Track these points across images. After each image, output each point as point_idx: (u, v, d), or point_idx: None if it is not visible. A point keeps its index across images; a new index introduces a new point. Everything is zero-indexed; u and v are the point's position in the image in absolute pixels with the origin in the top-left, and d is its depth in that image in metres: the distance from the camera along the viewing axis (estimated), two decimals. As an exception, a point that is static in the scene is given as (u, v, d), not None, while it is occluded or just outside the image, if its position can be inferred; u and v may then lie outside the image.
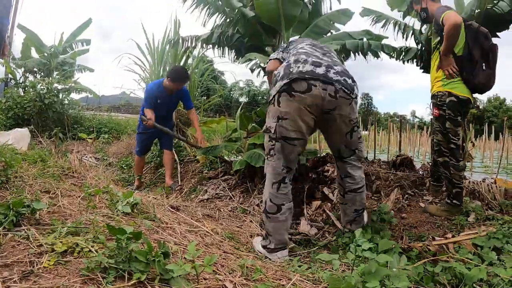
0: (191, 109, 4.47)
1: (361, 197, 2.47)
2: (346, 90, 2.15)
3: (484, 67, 2.73)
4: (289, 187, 2.29)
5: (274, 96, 2.20)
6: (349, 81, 2.20)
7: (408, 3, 4.06)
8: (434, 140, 2.95)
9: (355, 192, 2.43)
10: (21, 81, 11.31)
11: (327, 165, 3.83)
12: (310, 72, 2.14)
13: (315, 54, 2.30)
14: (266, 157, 2.33)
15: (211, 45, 4.81)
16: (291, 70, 2.17)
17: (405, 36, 4.47)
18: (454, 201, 2.80)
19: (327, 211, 3.03)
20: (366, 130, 10.95)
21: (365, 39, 4.35)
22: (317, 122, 2.27)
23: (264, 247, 2.27)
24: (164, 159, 4.50)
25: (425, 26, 3.99)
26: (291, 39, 3.56)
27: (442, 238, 2.46)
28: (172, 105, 4.48)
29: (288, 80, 2.14)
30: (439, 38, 2.84)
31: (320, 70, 2.15)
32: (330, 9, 4.90)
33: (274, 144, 2.23)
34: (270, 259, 2.14)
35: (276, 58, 2.59)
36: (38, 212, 1.68)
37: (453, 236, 2.48)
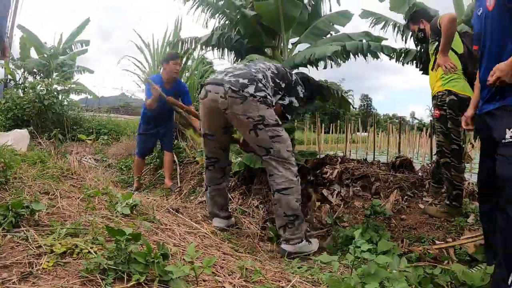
0: (190, 105, 4.40)
1: (287, 200, 2.37)
2: (234, 88, 2.33)
3: None
4: (214, 174, 2.76)
5: None
6: (243, 80, 2.38)
7: (409, 4, 4.08)
8: (437, 141, 2.96)
9: (280, 193, 2.38)
10: (20, 82, 11.32)
11: (326, 166, 3.83)
12: (210, 79, 2.56)
13: (236, 67, 2.60)
14: None
15: (210, 47, 4.81)
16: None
17: (404, 37, 4.48)
18: (454, 203, 2.80)
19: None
20: (365, 132, 10.96)
21: (364, 41, 4.36)
22: (226, 121, 2.51)
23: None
24: (164, 160, 4.51)
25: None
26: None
27: (442, 242, 2.47)
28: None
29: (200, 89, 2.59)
30: (437, 43, 2.85)
31: (219, 76, 2.49)
32: (330, 10, 4.90)
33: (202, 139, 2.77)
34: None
35: None
36: (37, 213, 1.67)
37: (453, 240, 2.48)
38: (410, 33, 4.40)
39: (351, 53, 4.25)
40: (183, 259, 1.45)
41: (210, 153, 2.74)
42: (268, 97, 2.42)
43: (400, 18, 4.45)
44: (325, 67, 4.46)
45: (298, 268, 1.86)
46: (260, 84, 2.41)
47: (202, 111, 2.59)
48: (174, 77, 4.19)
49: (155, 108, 4.10)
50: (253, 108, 2.35)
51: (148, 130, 4.37)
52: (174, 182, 4.38)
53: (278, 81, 2.60)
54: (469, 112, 2.11)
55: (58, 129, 6.04)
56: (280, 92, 2.62)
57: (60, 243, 1.39)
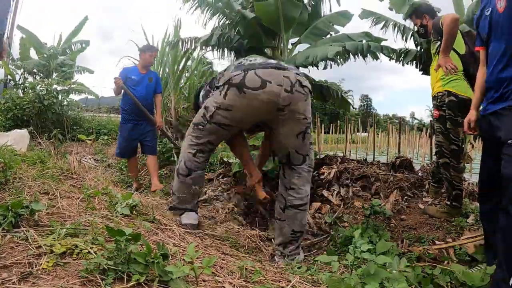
0: (159, 93, 4.59)
1: (302, 217, 2.18)
2: (303, 81, 2.05)
3: None
4: (205, 159, 2.31)
5: (223, 85, 2.07)
6: (301, 74, 2.13)
7: (409, 3, 4.07)
8: (435, 141, 2.96)
9: (296, 209, 2.15)
10: (20, 82, 11.30)
11: (323, 167, 3.83)
12: (263, 61, 2.10)
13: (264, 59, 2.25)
14: (193, 126, 2.27)
15: (210, 47, 4.81)
16: (242, 63, 2.11)
17: (404, 38, 4.47)
18: (454, 203, 2.80)
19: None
20: (365, 132, 10.96)
21: (364, 41, 4.36)
22: (268, 120, 2.16)
23: (171, 208, 2.37)
24: (147, 164, 4.46)
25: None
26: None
27: (442, 242, 2.47)
28: (147, 88, 4.40)
29: (241, 72, 2.00)
30: (439, 42, 2.85)
31: (272, 61, 2.16)
32: (330, 11, 4.91)
33: (205, 124, 2.19)
34: (181, 222, 2.26)
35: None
36: (37, 213, 1.67)
37: (453, 240, 2.48)
38: (411, 32, 4.41)
39: (350, 54, 4.26)
40: (183, 259, 1.45)
41: (218, 141, 2.33)
42: None
43: (400, 18, 4.43)
44: (325, 68, 4.47)
45: (298, 268, 1.86)
46: None
47: (242, 105, 2.03)
48: (148, 66, 4.51)
49: (129, 101, 4.29)
50: (309, 108, 2.09)
51: (128, 131, 4.36)
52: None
53: None
54: (473, 115, 2.02)
55: (58, 129, 6.03)
56: None
57: (60, 243, 1.39)
